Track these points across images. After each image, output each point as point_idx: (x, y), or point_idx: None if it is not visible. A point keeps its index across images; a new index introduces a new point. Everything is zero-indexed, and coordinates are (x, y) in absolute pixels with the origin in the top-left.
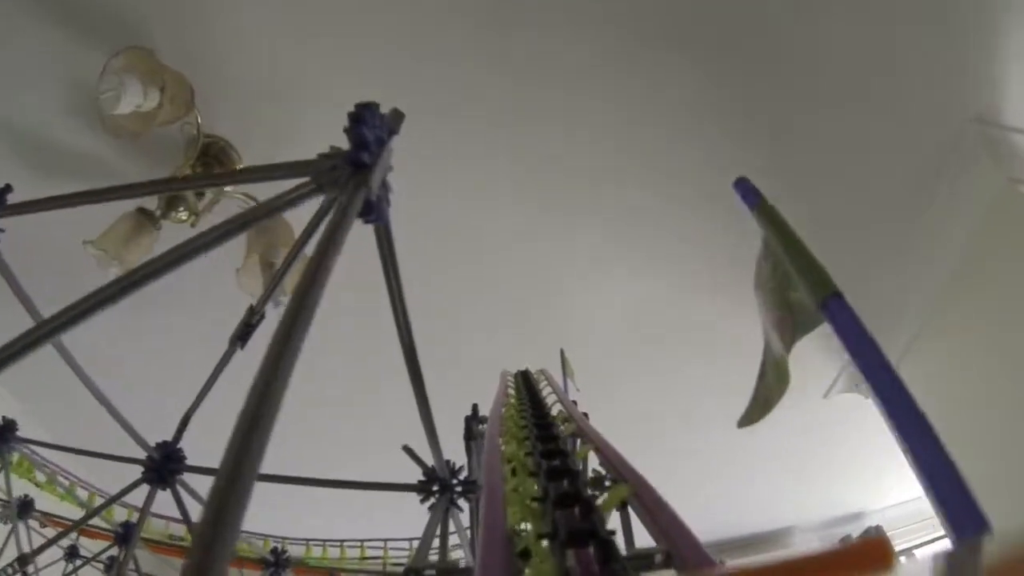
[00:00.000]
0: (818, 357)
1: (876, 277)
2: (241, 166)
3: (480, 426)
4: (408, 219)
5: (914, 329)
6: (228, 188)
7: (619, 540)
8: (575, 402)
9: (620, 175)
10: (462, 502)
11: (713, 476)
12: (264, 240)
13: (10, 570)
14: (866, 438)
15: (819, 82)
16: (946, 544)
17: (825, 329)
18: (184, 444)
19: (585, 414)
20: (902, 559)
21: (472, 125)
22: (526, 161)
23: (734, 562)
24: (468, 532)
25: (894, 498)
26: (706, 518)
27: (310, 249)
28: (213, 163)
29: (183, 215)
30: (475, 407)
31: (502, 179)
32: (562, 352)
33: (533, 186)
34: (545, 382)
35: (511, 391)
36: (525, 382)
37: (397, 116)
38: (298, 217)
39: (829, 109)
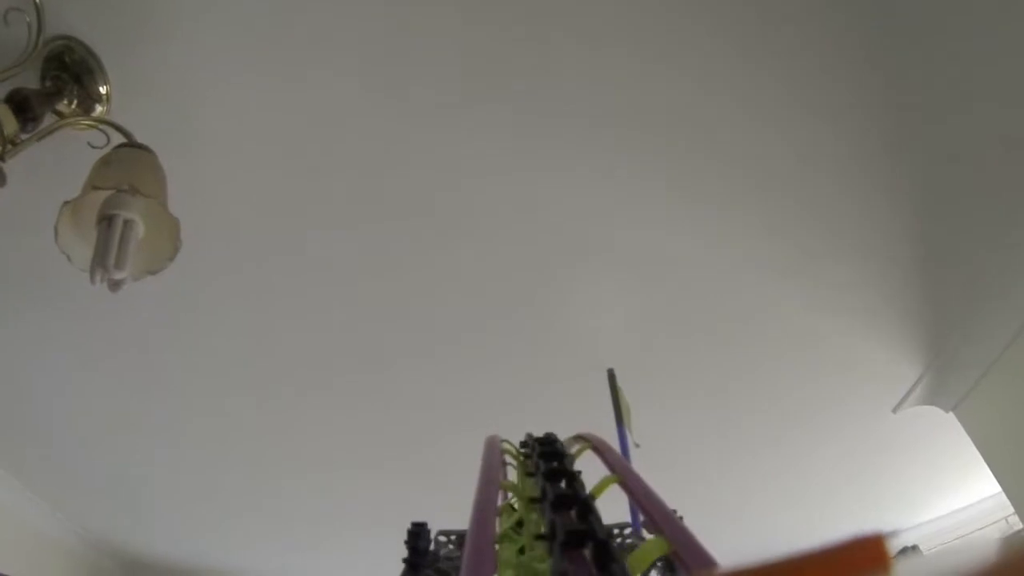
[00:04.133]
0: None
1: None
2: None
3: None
4: None
5: None
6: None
7: None
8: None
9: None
10: None
11: (741, 497)
12: (114, 177)
13: None
14: (899, 455)
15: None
16: None
17: None
18: None
19: (678, 514)
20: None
21: None
22: None
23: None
24: None
25: (928, 514)
26: (735, 544)
27: None
28: (68, 80)
29: None
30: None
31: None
32: (612, 375)
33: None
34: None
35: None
36: (547, 466)
37: None
38: None
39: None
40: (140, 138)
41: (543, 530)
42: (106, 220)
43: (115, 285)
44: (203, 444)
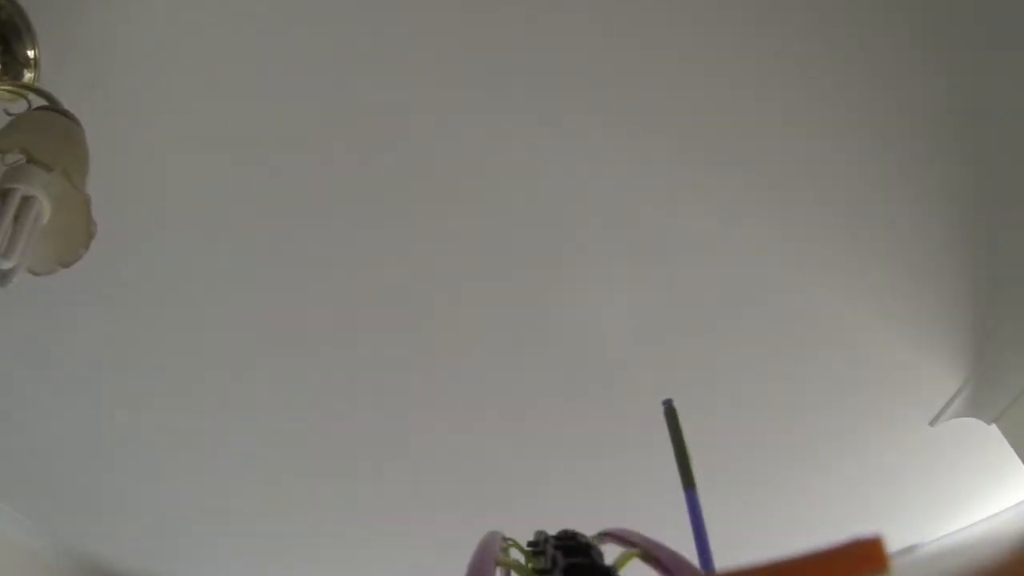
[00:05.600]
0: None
1: None
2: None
3: None
4: None
5: None
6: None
7: None
8: None
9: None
10: None
11: (769, 508)
12: (19, 142)
13: None
14: (918, 468)
15: None
16: None
17: None
18: None
19: None
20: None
21: None
22: None
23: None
24: None
25: (946, 528)
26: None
27: None
28: None
29: None
30: None
31: None
32: (671, 410)
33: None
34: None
35: None
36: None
37: None
38: None
39: None
40: (71, 109)
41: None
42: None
43: (3, 277)
44: (174, 455)
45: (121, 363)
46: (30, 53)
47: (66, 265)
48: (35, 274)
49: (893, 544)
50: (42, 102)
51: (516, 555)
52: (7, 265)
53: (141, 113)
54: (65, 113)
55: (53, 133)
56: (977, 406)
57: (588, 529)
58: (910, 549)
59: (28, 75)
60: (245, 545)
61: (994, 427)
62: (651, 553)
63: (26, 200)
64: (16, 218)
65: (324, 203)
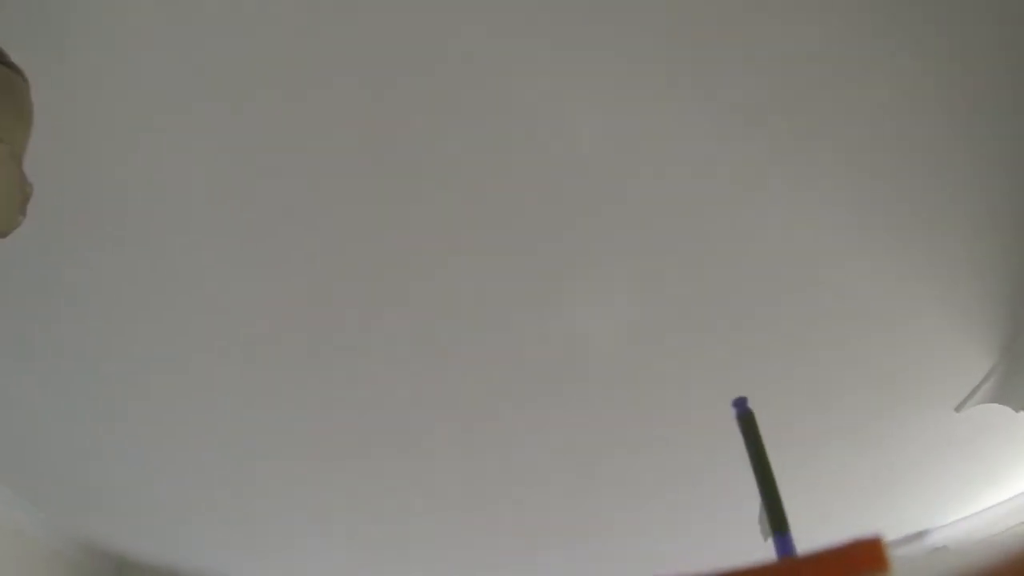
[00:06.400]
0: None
1: None
2: None
3: None
4: None
5: None
6: None
7: None
8: None
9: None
10: None
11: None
12: None
13: None
14: (929, 455)
15: None
16: None
17: None
18: None
19: None
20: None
21: None
22: None
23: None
24: None
25: (955, 514)
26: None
27: None
28: None
29: None
30: None
31: None
32: (747, 413)
33: None
34: None
35: None
36: None
37: None
38: None
39: None
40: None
41: None
42: None
43: None
44: (188, 446)
45: (122, 353)
46: None
47: (2, 235)
48: None
49: (905, 529)
50: None
51: None
52: None
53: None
54: (9, 64)
55: None
56: (1005, 393)
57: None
58: (920, 535)
59: None
60: (245, 530)
61: (1018, 415)
62: None
63: None
64: None
65: (331, 202)
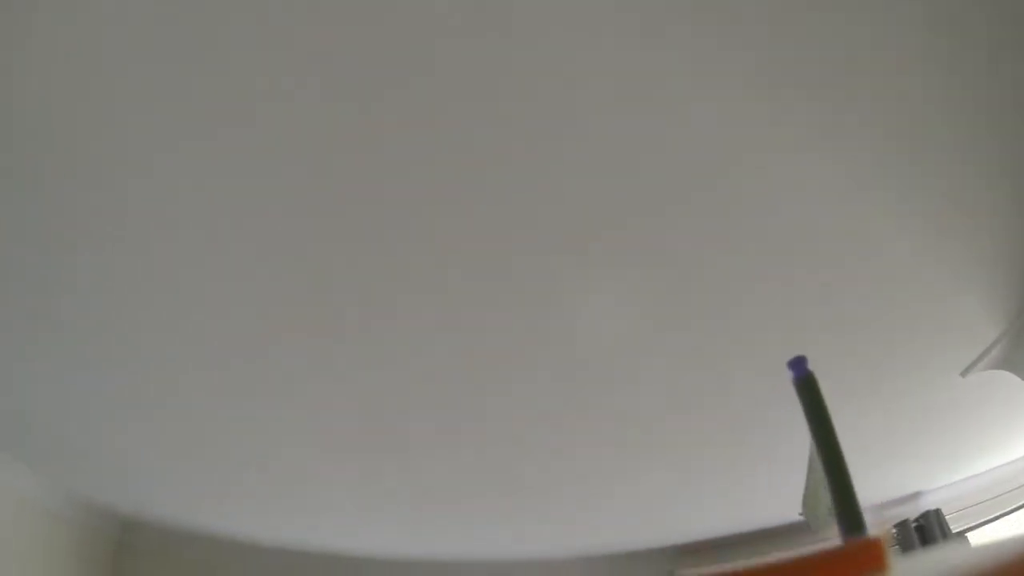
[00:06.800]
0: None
1: None
2: None
3: None
4: None
5: None
6: None
7: None
8: None
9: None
10: None
11: (758, 461)
12: None
13: None
14: (928, 418)
15: None
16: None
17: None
18: None
19: None
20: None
21: None
22: None
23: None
24: None
25: (948, 478)
26: (748, 506)
27: None
28: None
29: None
30: None
31: None
32: (807, 376)
33: None
34: None
35: None
36: None
37: None
38: None
39: None
40: None
41: None
42: None
43: None
44: (193, 408)
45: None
46: None
47: None
48: None
49: (900, 490)
50: None
51: None
52: None
53: None
54: None
55: None
56: (1012, 360)
57: None
58: (914, 496)
59: None
60: (248, 490)
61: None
62: None
63: None
64: None
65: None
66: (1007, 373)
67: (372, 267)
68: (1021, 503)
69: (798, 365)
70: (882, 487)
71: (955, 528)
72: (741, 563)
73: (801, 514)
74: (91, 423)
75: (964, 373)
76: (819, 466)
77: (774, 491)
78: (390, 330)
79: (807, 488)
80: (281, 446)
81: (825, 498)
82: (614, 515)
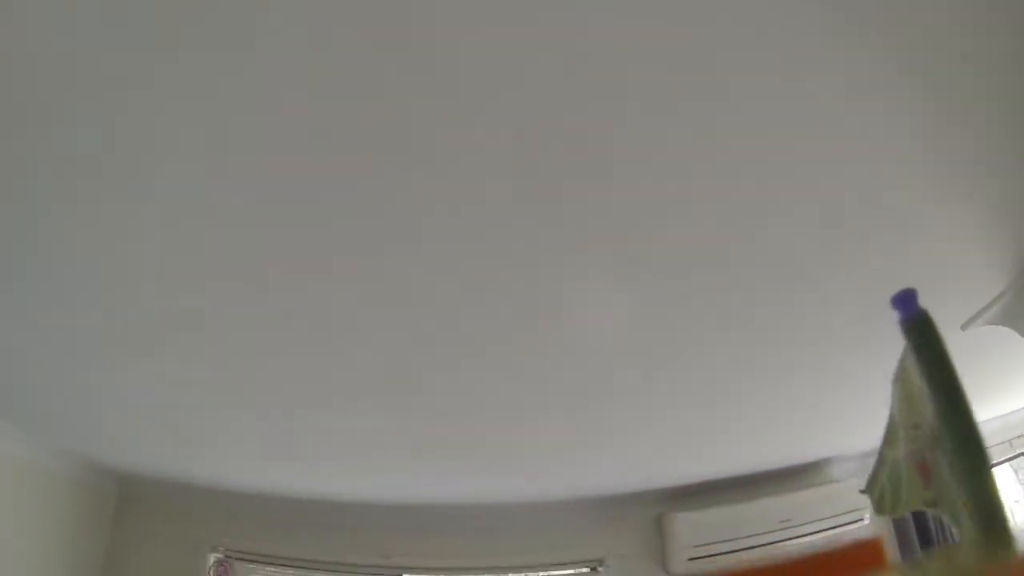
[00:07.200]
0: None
1: None
2: None
3: None
4: None
5: None
6: None
7: None
8: None
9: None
10: None
11: (747, 405)
12: None
13: None
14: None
15: None
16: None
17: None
18: None
19: None
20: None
21: None
22: None
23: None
24: None
25: None
26: (738, 450)
27: None
28: None
29: None
30: None
31: None
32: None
33: None
34: None
35: None
36: None
37: None
38: None
39: None
40: None
41: None
42: None
43: None
44: (189, 360)
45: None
46: None
47: None
48: None
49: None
50: None
51: None
52: None
53: None
54: None
55: None
56: (1013, 316)
57: None
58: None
59: None
60: (245, 443)
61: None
62: None
63: None
64: None
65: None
66: (1006, 329)
67: (373, 208)
68: (1011, 455)
69: (906, 302)
70: (876, 437)
71: None
72: (741, 563)
73: (863, 491)
74: (87, 375)
75: (964, 327)
76: (904, 435)
77: (761, 435)
78: (391, 276)
79: (878, 463)
80: (280, 394)
81: (946, 480)
82: (603, 459)
